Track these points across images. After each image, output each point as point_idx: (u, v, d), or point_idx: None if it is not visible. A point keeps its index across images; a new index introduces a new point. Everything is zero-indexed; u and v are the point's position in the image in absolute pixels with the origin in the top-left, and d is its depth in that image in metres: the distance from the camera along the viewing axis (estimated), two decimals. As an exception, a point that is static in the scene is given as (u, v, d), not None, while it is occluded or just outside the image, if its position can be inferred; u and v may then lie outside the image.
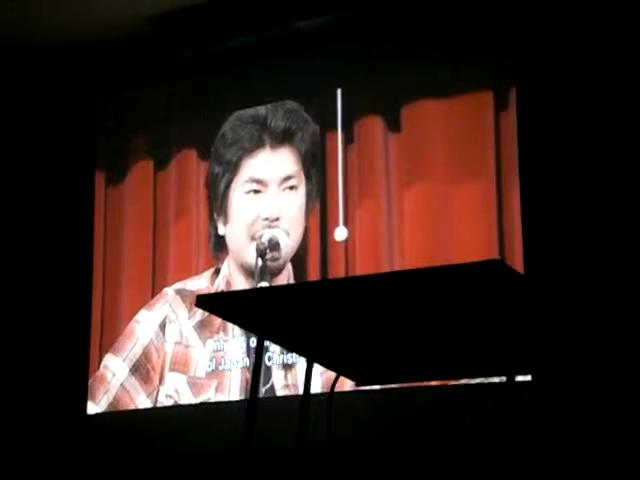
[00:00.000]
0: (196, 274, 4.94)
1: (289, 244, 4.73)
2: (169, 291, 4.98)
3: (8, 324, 5.30)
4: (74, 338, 5.16)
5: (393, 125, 4.63)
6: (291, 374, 4.63)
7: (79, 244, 5.27)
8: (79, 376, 5.08)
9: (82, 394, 5.04)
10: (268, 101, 4.92)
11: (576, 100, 4.27)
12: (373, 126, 4.68)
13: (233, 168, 4.91)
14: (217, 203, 4.94)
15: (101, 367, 5.04)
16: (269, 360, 4.66)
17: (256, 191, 4.83)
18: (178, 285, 4.96)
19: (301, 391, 2.52)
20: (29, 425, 5.14)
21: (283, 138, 4.85)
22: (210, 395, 4.77)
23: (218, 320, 4.76)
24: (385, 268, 4.45)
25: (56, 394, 5.14)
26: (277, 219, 4.74)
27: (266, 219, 4.76)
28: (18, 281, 5.34)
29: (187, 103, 5.19)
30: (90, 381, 5.05)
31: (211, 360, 4.79)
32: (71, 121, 5.45)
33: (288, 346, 2.52)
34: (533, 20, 4.41)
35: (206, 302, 2.14)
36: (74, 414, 5.06)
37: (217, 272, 4.89)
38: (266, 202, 4.80)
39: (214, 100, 5.12)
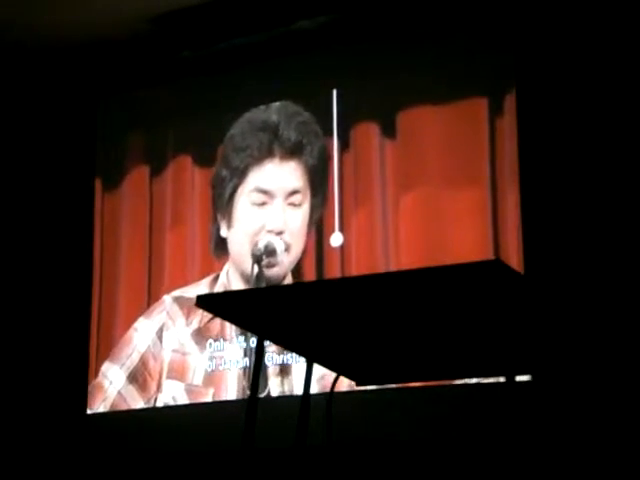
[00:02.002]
0: (192, 280, 4.92)
1: (292, 256, 4.69)
2: (167, 298, 4.94)
3: (9, 326, 5.30)
4: (73, 340, 5.15)
5: (389, 131, 4.62)
6: (287, 380, 4.61)
7: (78, 249, 5.25)
8: (78, 377, 5.07)
9: (82, 395, 5.04)
10: (266, 103, 4.91)
11: (577, 105, 4.27)
12: (369, 132, 4.66)
13: (240, 175, 4.84)
14: (222, 206, 4.89)
15: (99, 375, 5.01)
16: (267, 360, 4.66)
17: (262, 203, 4.76)
18: (176, 292, 4.92)
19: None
20: (29, 426, 5.14)
21: (293, 150, 4.78)
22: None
23: (216, 327, 4.75)
24: (381, 274, 4.43)
25: (56, 395, 5.14)
26: (281, 232, 4.70)
27: (270, 231, 4.72)
28: (18, 284, 5.34)
29: (184, 104, 5.17)
30: (89, 388, 5.03)
31: (210, 360, 4.78)
32: (71, 122, 5.44)
33: (288, 346, 2.53)
34: (532, 25, 4.41)
35: (206, 302, 2.15)
36: (74, 414, 5.05)
37: (216, 279, 4.86)
38: (271, 214, 4.75)
39: (211, 102, 5.09)
